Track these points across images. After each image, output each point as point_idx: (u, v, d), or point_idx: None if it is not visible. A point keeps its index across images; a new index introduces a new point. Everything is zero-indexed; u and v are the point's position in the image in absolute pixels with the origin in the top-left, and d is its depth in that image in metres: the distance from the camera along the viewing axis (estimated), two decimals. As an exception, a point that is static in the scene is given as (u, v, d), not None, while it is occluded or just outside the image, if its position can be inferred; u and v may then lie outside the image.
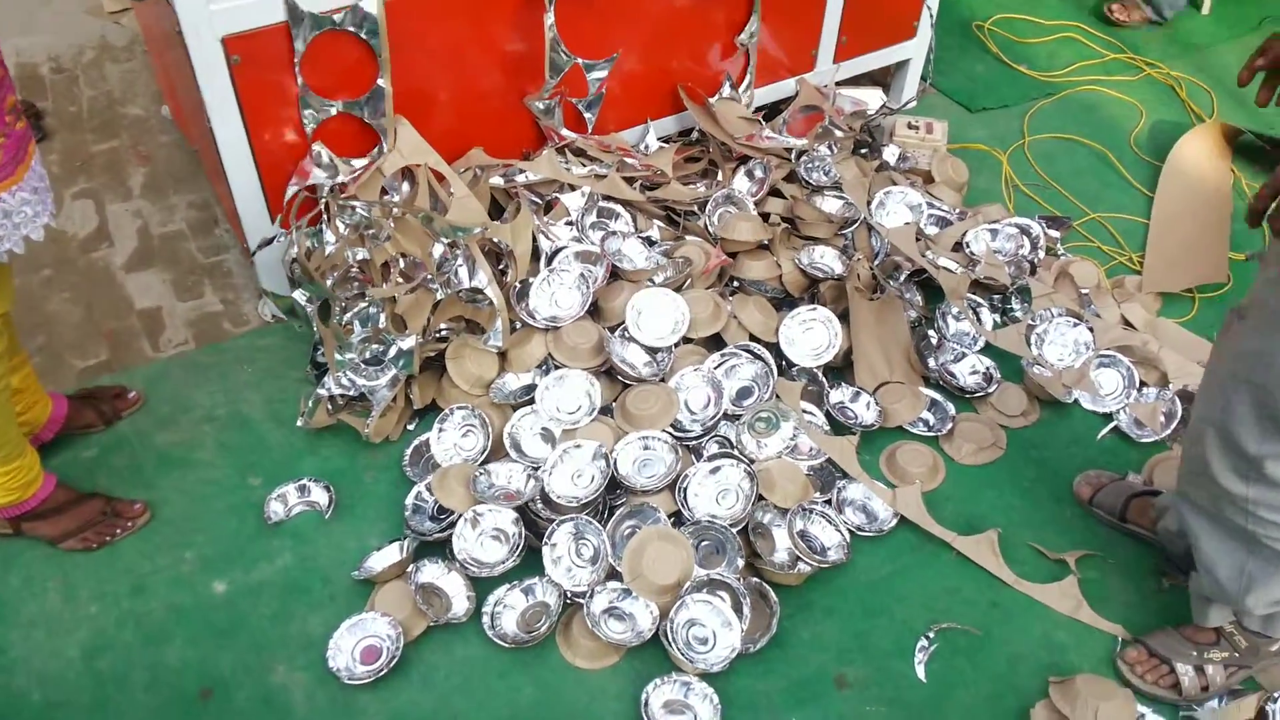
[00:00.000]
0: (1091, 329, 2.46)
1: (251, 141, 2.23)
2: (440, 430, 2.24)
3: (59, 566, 2.07)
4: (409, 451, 2.26)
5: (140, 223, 2.83)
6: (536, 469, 2.15)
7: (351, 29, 2.17)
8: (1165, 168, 3.03)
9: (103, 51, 3.45)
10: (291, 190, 2.28)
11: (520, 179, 2.52)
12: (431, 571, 2.02)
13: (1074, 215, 2.91)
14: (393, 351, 2.23)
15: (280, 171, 2.30)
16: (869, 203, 2.68)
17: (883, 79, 3.24)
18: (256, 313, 2.58)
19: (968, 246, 2.63)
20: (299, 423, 2.29)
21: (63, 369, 2.45)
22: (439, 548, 2.09)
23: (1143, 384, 2.42)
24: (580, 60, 2.51)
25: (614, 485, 2.13)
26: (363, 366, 2.24)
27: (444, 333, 2.32)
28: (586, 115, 2.65)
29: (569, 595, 2.00)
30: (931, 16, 2.99)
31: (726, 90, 2.80)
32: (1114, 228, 2.89)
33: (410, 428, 2.34)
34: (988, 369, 2.44)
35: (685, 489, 2.11)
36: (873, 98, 3.09)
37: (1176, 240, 2.81)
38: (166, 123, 3.15)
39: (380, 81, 2.26)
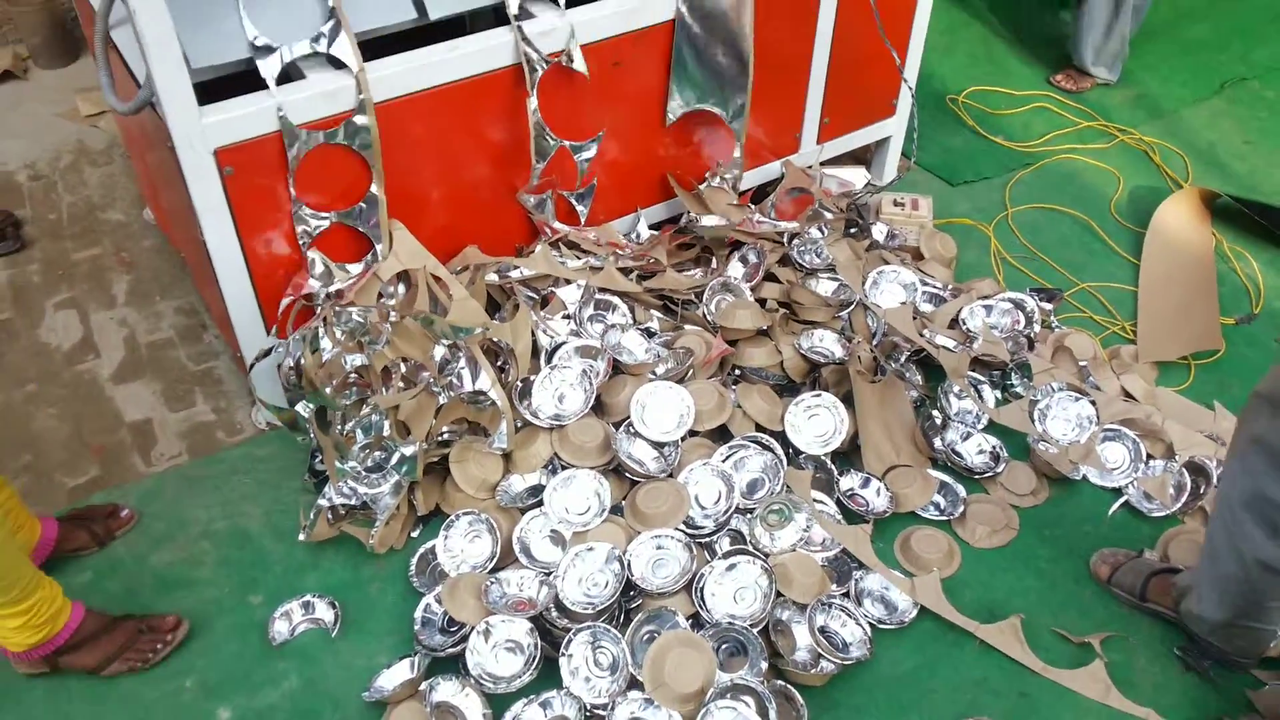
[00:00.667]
0: (1094, 402, 2.47)
1: (245, 250, 2.20)
2: (446, 537, 2.19)
3: (54, 706, 1.98)
4: (414, 560, 2.21)
5: (126, 331, 2.78)
6: (549, 575, 2.10)
7: (344, 143, 2.17)
8: (1148, 234, 3.07)
9: (80, 156, 3.43)
10: (287, 301, 2.25)
11: (515, 274, 2.50)
12: (446, 689, 1.96)
13: (1064, 286, 2.94)
14: (395, 458, 2.19)
15: (274, 278, 2.27)
16: (863, 283, 2.69)
17: (864, 157, 3.27)
18: (250, 420, 2.53)
19: (964, 323, 2.64)
20: (300, 535, 2.23)
21: (52, 489, 2.38)
22: (451, 663, 2.03)
23: (1149, 456, 2.42)
24: (566, 143, 2.50)
25: (629, 587, 2.08)
26: (364, 474, 2.19)
27: (446, 436, 2.28)
28: (579, 207, 2.65)
29: (589, 708, 1.94)
30: (911, 93, 3.03)
31: (716, 178, 2.81)
32: (1104, 297, 2.92)
33: (414, 535, 2.28)
34: (994, 448, 2.43)
35: (702, 589, 2.06)
36: (857, 176, 3.13)
37: (1167, 308, 2.83)
38: (149, 227, 3.11)
39: (374, 189, 2.25)
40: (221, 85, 2.11)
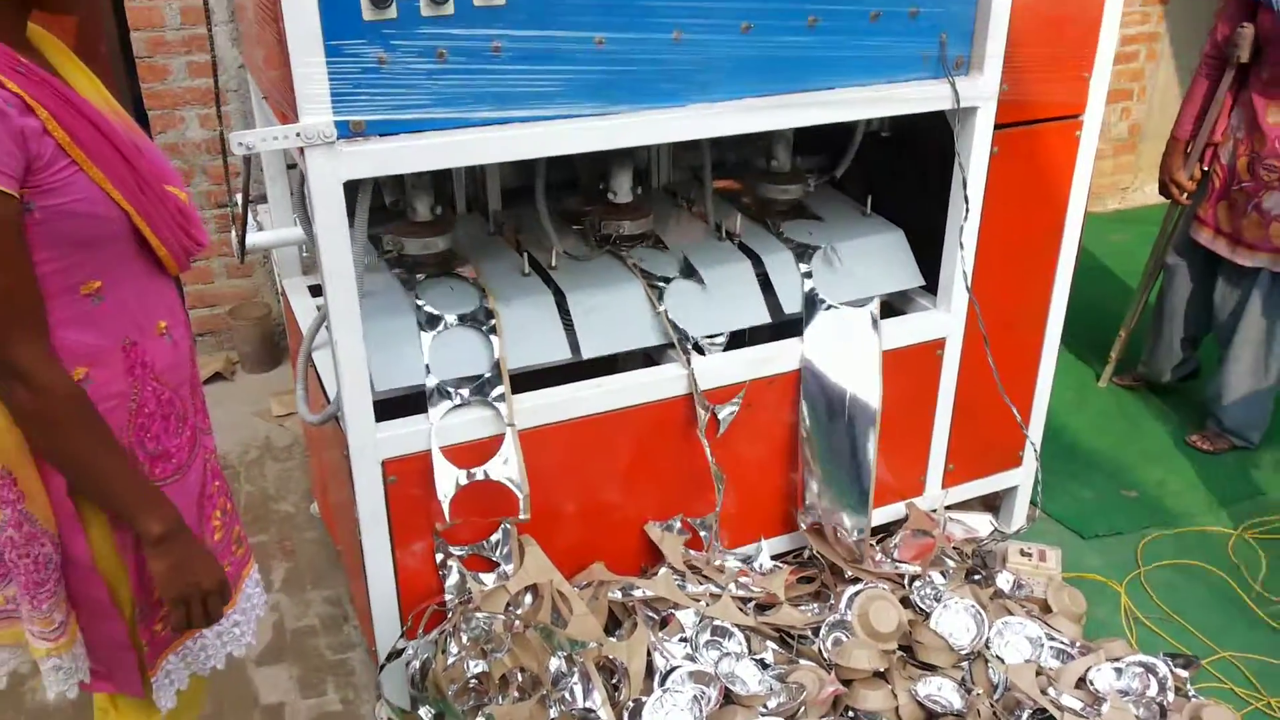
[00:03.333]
0: (1236, 785, 2.31)
1: (394, 552, 2.40)
2: None
3: None
4: None
5: (276, 616, 2.99)
6: None
7: (494, 478, 2.40)
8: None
9: (265, 451, 3.82)
10: (422, 608, 2.42)
11: (637, 594, 2.61)
12: None
13: (1202, 653, 2.82)
14: (502, 769, 2.23)
15: (417, 580, 2.45)
16: (987, 633, 2.66)
17: (993, 503, 3.32)
18: (374, 715, 2.63)
19: (1092, 684, 2.55)
20: (402, 840, 2.25)
21: (182, 765, 2.50)
22: None
23: None
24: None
25: None
26: (472, 783, 2.23)
27: (554, 750, 2.31)
28: (702, 534, 2.78)
29: None
30: (1035, 449, 3.12)
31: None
32: (1247, 669, 2.78)
33: None
34: (1125, 825, 2.28)
35: None
36: (982, 523, 3.17)
37: (1319, 687, 2.67)
38: (314, 520, 3.40)
39: (508, 525, 2.44)
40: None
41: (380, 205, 2.73)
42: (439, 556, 2.43)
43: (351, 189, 2.09)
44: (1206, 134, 3.57)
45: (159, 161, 1.65)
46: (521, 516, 2.40)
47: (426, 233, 2.61)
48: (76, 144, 1.47)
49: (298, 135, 1.95)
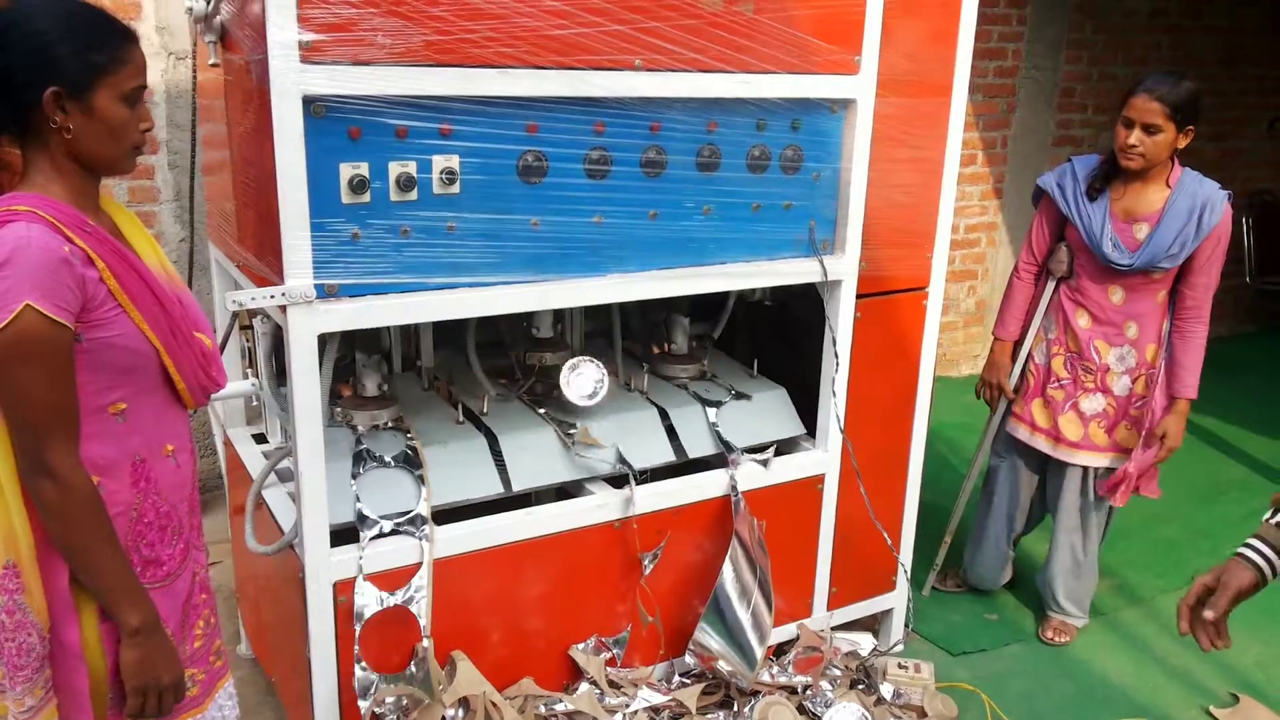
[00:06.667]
0: None
1: (340, 668, 2.63)
2: None
3: None
4: None
5: (210, 750, 3.11)
6: None
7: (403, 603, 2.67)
8: None
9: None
10: None
11: (560, 708, 2.88)
12: None
13: (1057, 748, 3.22)
14: None
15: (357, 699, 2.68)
16: (870, 733, 3.01)
17: (872, 625, 3.71)
18: (311, 834, 2.78)
19: (963, 775, 2.90)
20: None
21: None
22: None
23: None
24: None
25: None
26: None
27: None
28: (615, 651, 3.08)
29: None
30: (906, 574, 3.55)
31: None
32: (1095, 760, 3.18)
33: None
34: None
35: None
36: (864, 640, 3.54)
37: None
38: (242, 660, 3.55)
39: (425, 643, 2.70)
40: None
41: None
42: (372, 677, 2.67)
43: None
44: (1032, 340, 3.65)
45: (194, 311, 1.99)
46: (424, 640, 2.63)
47: (374, 406, 2.92)
48: (124, 291, 1.82)
49: (283, 294, 2.32)
